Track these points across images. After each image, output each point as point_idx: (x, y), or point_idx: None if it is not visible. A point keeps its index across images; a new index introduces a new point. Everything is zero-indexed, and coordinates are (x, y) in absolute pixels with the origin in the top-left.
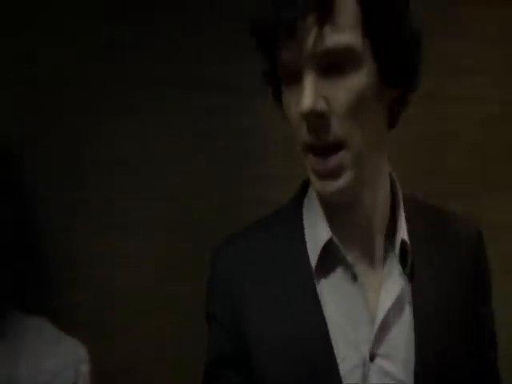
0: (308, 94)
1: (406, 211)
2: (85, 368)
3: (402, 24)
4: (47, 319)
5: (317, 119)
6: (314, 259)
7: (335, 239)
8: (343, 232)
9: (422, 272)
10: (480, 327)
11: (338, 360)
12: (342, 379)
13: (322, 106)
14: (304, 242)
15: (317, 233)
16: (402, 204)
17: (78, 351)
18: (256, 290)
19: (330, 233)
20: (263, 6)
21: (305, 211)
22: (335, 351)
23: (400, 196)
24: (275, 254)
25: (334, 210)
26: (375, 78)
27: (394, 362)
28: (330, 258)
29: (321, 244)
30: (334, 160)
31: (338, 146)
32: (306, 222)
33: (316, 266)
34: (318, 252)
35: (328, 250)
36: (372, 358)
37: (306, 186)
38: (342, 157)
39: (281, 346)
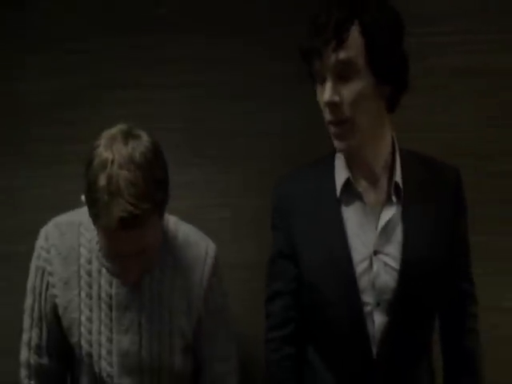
0: (328, 91)
1: (402, 158)
2: (209, 261)
3: (393, 48)
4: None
5: (334, 105)
6: (338, 191)
7: (351, 178)
8: (357, 174)
9: (412, 199)
10: (456, 238)
11: (353, 253)
12: (355, 266)
13: (336, 98)
14: (334, 180)
15: (341, 174)
16: (398, 156)
17: (207, 248)
18: (302, 208)
19: (348, 174)
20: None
21: (336, 159)
22: (351, 248)
23: (397, 150)
24: (316, 186)
25: (352, 160)
26: (371, 82)
27: (391, 257)
28: (349, 190)
29: (342, 181)
30: (342, 130)
31: (346, 121)
32: (336, 166)
33: (340, 195)
34: (340, 186)
35: (347, 185)
36: (375, 253)
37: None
38: (347, 128)
39: (315, 246)
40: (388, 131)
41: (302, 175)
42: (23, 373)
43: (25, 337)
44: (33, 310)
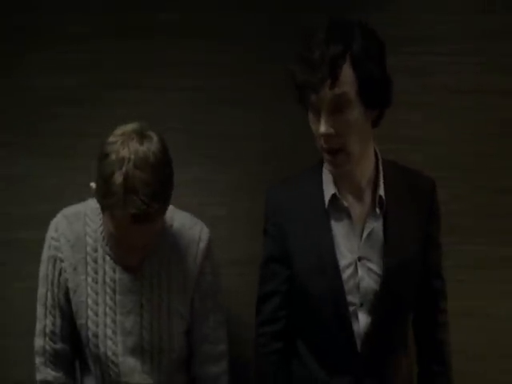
0: (323, 125)
1: (384, 171)
2: (202, 245)
3: (380, 75)
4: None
5: (328, 137)
6: (326, 203)
7: (337, 193)
8: (344, 190)
9: (392, 208)
10: (430, 242)
11: (339, 260)
12: (342, 272)
13: (330, 131)
14: (322, 190)
15: (328, 187)
16: (381, 170)
17: (201, 232)
18: (293, 215)
19: (335, 189)
20: (298, 70)
21: (323, 172)
22: (338, 255)
23: (380, 165)
24: (306, 195)
25: (339, 177)
26: (361, 110)
27: (373, 262)
28: (335, 204)
29: (329, 195)
30: (337, 159)
31: (340, 150)
32: (324, 177)
33: (327, 208)
34: (328, 200)
35: (334, 198)
36: (360, 259)
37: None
38: (342, 157)
39: (305, 251)
40: (372, 147)
41: (293, 184)
42: (38, 360)
43: (39, 325)
44: (46, 298)
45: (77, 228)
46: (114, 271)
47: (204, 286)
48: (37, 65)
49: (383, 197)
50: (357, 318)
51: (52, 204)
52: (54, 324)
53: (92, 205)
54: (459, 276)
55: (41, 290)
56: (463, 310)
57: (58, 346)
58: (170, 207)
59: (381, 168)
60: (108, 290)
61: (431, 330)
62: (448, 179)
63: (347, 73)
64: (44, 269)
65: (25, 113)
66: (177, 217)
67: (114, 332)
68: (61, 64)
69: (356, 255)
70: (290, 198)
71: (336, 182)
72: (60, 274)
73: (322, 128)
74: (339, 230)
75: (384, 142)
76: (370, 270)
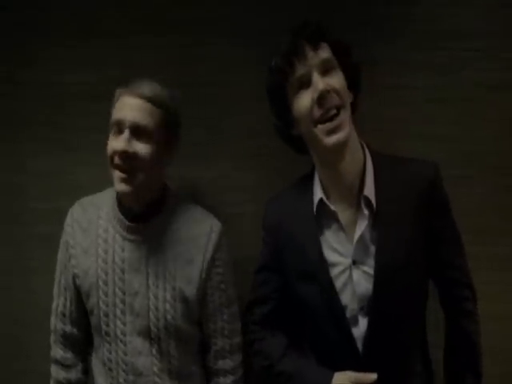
0: (321, 82)
1: (375, 168)
2: (214, 236)
3: (348, 58)
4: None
5: (326, 94)
6: (314, 209)
7: (324, 198)
8: (332, 192)
9: (385, 207)
10: (436, 234)
11: (332, 267)
12: (337, 278)
13: (327, 86)
14: (312, 200)
15: (317, 194)
16: (369, 168)
17: (212, 224)
18: (286, 226)
19: (322, 194)
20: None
21: (314, 177)
22: (330, 262)
23: (369, 159)
24: (298, 206)
25: (326, 179)
26: (345, 84)
27: (367, 265)
28: (324, 209)
29: (317, 200)
30: (338, 119)
31: (338, 110)
32: (314, 185)
33: (316, 213)
34: (315, 205)
35: (322, 204)
36: (354, 263)
37: (314, 168)
38: (343, 115)
39: (296, 262)
40: (358, 141)
41: (286, 196)
42: (52, 338)
43: (54, 304)
44: (60, 279)
45: (90, 213)
46: (123, 250)
47: (216, 279)
48: (63, 60)
49: (369, 197)
50: (357, 321)
51: (77, 199)
52: (64, 306)
53: (107, 193)
54: (484, 278)
55: (56, 271)
56: (490, 313)
57: (67, 328)
58: (187, 199)
59: (369, 166)
60: (117, 269)
61: (452, 319)
62: (472, 178)
63: (325, 45)
64: (59, 253)
65: (51, 108)
66: (190, 207)
67: (123, 312)
68: (87, 60)
69: (350, 260)
70: (284, 211)
71: (324, 187)
72: (69, 260)
73: (320, 85)
74: (330, 235)
75: (414, 139)
76: (365, 273)
